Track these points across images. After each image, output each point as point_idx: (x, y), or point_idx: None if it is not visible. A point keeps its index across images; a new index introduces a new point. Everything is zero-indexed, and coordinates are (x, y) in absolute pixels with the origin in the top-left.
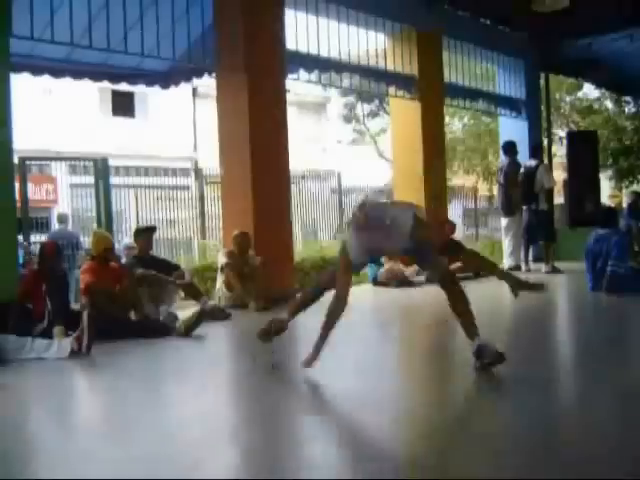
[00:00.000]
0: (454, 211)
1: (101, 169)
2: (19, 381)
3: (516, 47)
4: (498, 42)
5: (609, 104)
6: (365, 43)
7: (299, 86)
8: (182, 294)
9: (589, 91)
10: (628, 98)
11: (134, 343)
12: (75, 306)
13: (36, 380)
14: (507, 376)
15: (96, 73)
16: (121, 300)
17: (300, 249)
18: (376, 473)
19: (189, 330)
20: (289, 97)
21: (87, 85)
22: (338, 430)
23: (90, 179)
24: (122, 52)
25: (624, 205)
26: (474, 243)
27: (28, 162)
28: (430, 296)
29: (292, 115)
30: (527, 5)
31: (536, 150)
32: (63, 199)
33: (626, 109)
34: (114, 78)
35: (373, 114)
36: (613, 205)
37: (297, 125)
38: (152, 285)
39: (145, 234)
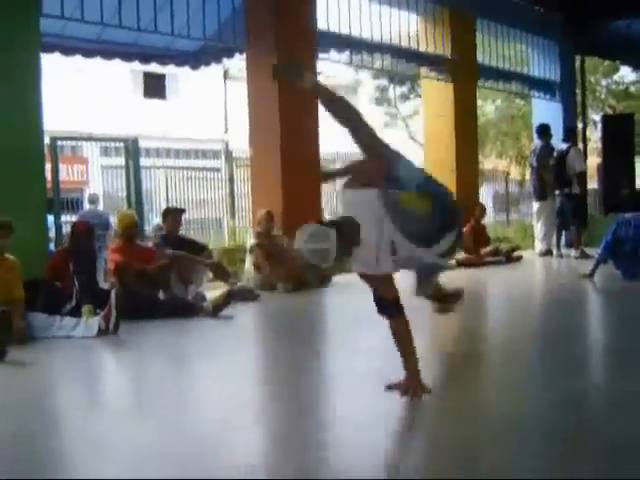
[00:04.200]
0: (485, 195)
1: (132, 150)
2: (46, 359)
3: (551, 28)
4: (532, 23)
5: None
6: (397, 24)
7: (330, 68)
8: (210, 275)
9: (626, 74)
10: None
11: (162, 322)
12: (104, 285)
13: (63, 358)
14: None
15: (126, 53)
16: (149, 279)
17: None
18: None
19: (217, 310)
20: (320, 80)
21: (119, 66)
22: (365, 414)
23: (121, 160)
24: (152, 32)
25: None
26: (505, 227)
27: (60, 142)
28: (461, 281)
29: None
30: None
31: (570, 133)
32: (94, 180)
33: None
34: (144, 58)
35: (405, 97)
36: None
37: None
38: (181, 265)
39: (173, 214)
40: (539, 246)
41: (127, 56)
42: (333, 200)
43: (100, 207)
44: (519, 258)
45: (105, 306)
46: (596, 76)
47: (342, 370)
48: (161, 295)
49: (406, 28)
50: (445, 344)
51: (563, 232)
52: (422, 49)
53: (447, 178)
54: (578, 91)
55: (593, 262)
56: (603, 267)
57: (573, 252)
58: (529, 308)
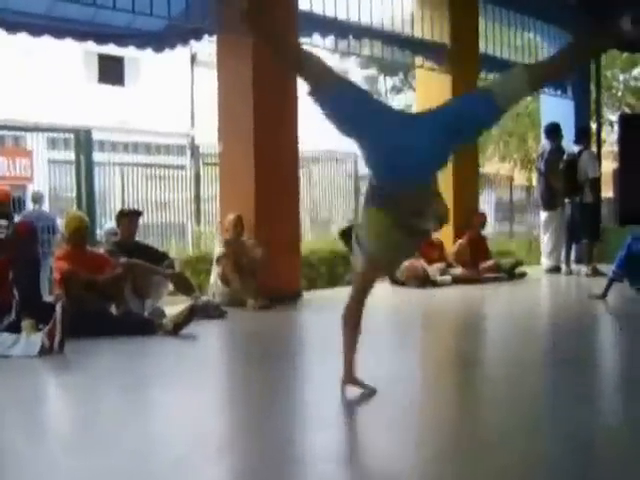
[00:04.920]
0: (486, 202)
1: (83, 143)
2: None
3: (563, 15)
4: (543, 10)
5: None
6: (390, 6)
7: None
8: (171, 287)
9: None
10: None
11: (114, 341)
12: (48, 297)
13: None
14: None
15: (80, 32)
16: (101, 291)
17: (309, 240)
18: None
19: (178, 328)
20: None
21: (71, 47)
22: (340, 446)
23: (71, 154)
24: (110, 8)
25: None
26: (508, 239)
27: (0, 132)
28: (456, 299)
29: (305, 90)
30: None
31: (582, 134)
32: (39, 176)
33: None
34: (101, 38)
35: (397, 90)
36: None
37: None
38: (137, 275)
39: (129, 218)
40: (546, 262)
41: (80, 35)
42: (312, 203)
43: (45, 207)
44: (523, 275)
45: (49, 321)
46: (613, 71)
47: (315, 398)
48: (113, 310)
49: (400, 11)
50: (442, 369)
51: (573, 246)
52: (417, 35)
53: (442, 182)
54: (592, 87)
55: (606, 280)
56: (617, 286)
57: (584, 269)
58: (532, 333)
